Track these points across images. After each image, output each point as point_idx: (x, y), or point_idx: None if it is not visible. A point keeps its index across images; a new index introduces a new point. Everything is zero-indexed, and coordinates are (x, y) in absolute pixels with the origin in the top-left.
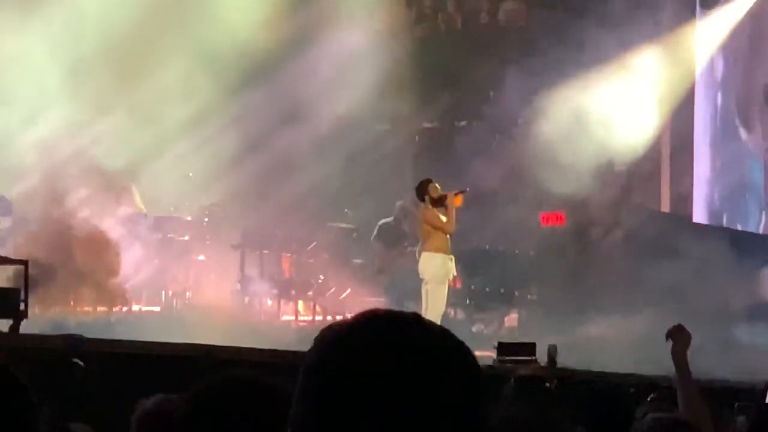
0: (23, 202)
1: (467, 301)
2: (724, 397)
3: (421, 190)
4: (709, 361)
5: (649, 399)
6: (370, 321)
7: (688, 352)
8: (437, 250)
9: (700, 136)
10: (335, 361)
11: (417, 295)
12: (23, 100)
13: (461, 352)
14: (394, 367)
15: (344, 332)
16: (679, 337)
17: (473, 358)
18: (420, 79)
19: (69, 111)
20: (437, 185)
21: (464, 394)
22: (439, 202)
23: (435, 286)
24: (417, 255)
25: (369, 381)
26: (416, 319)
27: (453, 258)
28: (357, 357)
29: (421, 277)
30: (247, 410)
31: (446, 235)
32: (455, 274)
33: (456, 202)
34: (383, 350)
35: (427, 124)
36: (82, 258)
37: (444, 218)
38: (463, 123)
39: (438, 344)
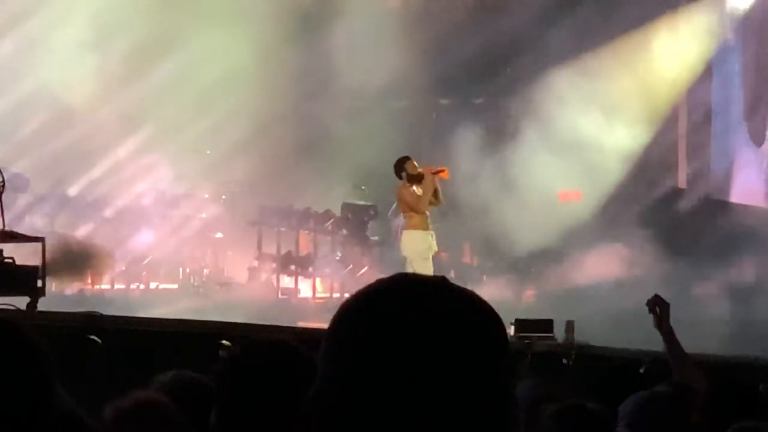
0: (40, 178)
1: (483, 278)
2: (754, 375)
3: (399, 167)
4: (740, 339)
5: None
6: (396, 284)
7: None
8: (416, 228)
9: (727, 115)
10: (359, 325)
11: (436, 273)
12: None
13: (489, 317)
14: (420, 331)
15: (368, 296)
16: (659, 307)
17: (501, 324)
18: (437, 55)
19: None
20: (415, 163)
21: (489, 359)
22: (417, 179)
23: (419, 262)
24: (399, 234)
25: (394, 345)
26: (443, 282)
27: (433, 234)
28: (382, 321)
29: (403, 254)
30: (275, 370)
31: (424, 212)
32: (436, 249)
33: (443, 175)
34: (409, 313)
35: (443, 101)
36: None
37: (419, 195)
38: (479, 100)
39: (466, 308)
